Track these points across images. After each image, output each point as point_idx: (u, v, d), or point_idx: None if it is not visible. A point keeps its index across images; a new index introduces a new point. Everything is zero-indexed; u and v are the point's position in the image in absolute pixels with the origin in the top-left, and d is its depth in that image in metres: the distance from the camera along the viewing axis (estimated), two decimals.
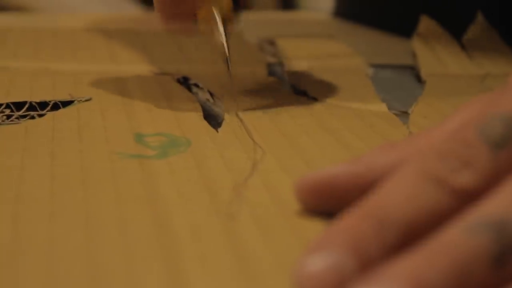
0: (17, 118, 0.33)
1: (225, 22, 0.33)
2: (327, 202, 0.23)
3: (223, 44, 0.33)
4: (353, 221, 0.20)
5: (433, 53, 0.45)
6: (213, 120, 0.33)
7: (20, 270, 0.20)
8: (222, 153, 0.29)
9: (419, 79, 0.42)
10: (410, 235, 0.20)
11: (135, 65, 0.42)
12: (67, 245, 0.22)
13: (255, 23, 0.57)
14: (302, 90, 0.38)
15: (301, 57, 0.45)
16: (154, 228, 0.23)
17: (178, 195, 0.25)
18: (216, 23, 0.33)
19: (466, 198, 0.20)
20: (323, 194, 0.23)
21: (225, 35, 0.33)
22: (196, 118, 0.33)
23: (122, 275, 0.20)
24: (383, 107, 0.36)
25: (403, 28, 0.50)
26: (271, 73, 0.42)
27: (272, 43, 0.49)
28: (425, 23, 0.48)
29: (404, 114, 0.35)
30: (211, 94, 0.37)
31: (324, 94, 0.38)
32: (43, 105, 0.34)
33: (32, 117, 0.33)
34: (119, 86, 0.37)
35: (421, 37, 0.47)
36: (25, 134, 0.30)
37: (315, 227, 0.23)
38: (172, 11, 0.33)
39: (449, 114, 0.35)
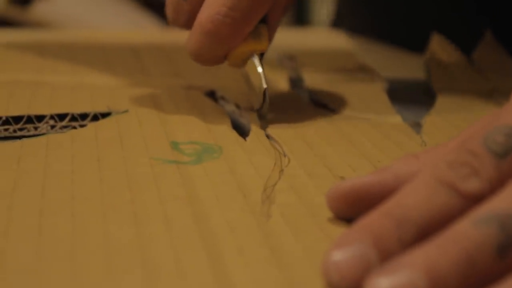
0: (60, 128, 0.36)
1: (261, 56, 0.37)
2: (357, 209, 0.26)
3: (260, 77, 0.36)
4: (374, 219, 0.23)
5: (444, 69, 0.48)
6: (241, 130, 0.36)
7: (79, 261, 0.23)
8: (251, 159, 0.32)
9: (431, 93, 0.44)
10: (425, 231, 0.23)
11: (165, 79, 0.45)
12: (120, 240, 0.24)
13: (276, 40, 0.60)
14: (322, 103, 0.41)
15: (320, 71, 0.48)
16: (195, 225, 0.26)
17: (214, 196, 0.28)
18: (251, 57, 0.36)
19: (474, 201, 0.23)
20: (354, 202, 0.26)
21: (262, 68, 0.36)
22: (225, 128, 0.36)
23: (171, 264, 0.23)
24: (398, 119, 0.38)
25: (411, 43, 0.53)
26: (292, 87, 0.45)
27: (291, 58, 0.51)
28: (436, 41, 0.50)
29: (417, 125, 0.38)
30: (237, 106, 0.40)
31: (343, 107, 0.40)
32: (83, 116, 0.37)
33: (74, 127, 0.36)
34: (153, 99, 0.40)
35: (433, 54, 0.49)
36: (72, 142, 0.33)
37: (339, 224, 0.26)
38: (209, 54, 0.35)
39: (458, 125, 0.38)
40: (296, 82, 0.46)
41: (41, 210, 0.26)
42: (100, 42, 0.54)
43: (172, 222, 0.26)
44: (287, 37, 0.64)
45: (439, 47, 0.50)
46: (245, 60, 0.37)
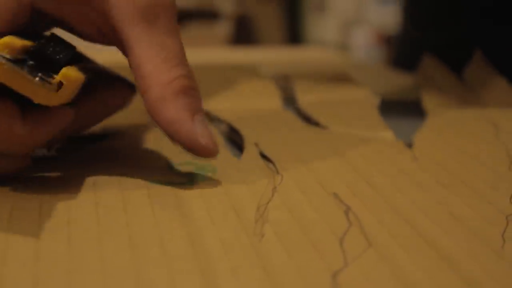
0: (56, 151, 0.37)
1: None
2: None
3: None
4: None
5: (434, 87, 0.48)
6: (234, 148, 0.37)
7: (75, 285, 0.23)
8: (244, 178, 0.32)
9: (422, 111, 0.45)
10: None
11: None
12: (115, 263, 0.25)
13: (269, 59, 0.60)
14: (315, 121, 0.42)
15: (312, 90, 0.49)
16: (190, 245, 0.26)
17: (208, 217, 0.28)
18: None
19: None
20: None
21: None
22: (220, 148, 0.36)
23: (166, 287, 0.23)
24: (390, 134, 0.39)
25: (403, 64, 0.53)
26: (285, 106, 0.46)
27: (285, 78, 0.52)
28: (427, 61, 0.51)
29: (409, 141, 0.38)
30: (230, 127, 0.40)
31: (335, 124, 0.41)
32: (80, 139, 0.37)
33: (69, 150, 0.36)
34: (147, 120, 0.40)
35: (424, 73, 0.50)
36: (67, 166, 0.33)
37: (332, 241, 0.26)
38: None
39: (450, 139, 0.38)
40: (289, 101, 0.47)
41: (38, 234, 0.26)
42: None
43: (167, 244, 0.26)
44: (281, 56, 0.65)
45: (430, 66, 0.51)
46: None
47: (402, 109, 0.46)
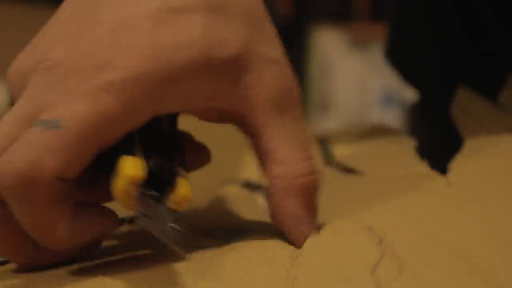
0: None
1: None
2: None
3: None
4: None
5: (470, 115, 0.48)
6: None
7: None
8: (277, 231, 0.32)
9: (458, 140, 0.44)
10: None
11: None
12: None
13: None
14: (350, 168, 0.42)
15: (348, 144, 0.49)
16: None
17: (241, 268, 0.28)
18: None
19: None
20: None
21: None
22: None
23: None
24: (424, 167, 0.38)
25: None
26: (324, 162, 0.46)
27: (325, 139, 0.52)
28: (462, 91, 0.51)
29: (444, 169, 0.37)
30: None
31: (371, 167, 0.41)
32: None
33: None
34: None
35: (459, 103, 0.50)
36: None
37: (364, 271, 0.26)
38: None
39: (485, 162, 0.37)
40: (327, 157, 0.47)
41: None
42: None
43: None
44: None
45: (465, 96, 0.50)
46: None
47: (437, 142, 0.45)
